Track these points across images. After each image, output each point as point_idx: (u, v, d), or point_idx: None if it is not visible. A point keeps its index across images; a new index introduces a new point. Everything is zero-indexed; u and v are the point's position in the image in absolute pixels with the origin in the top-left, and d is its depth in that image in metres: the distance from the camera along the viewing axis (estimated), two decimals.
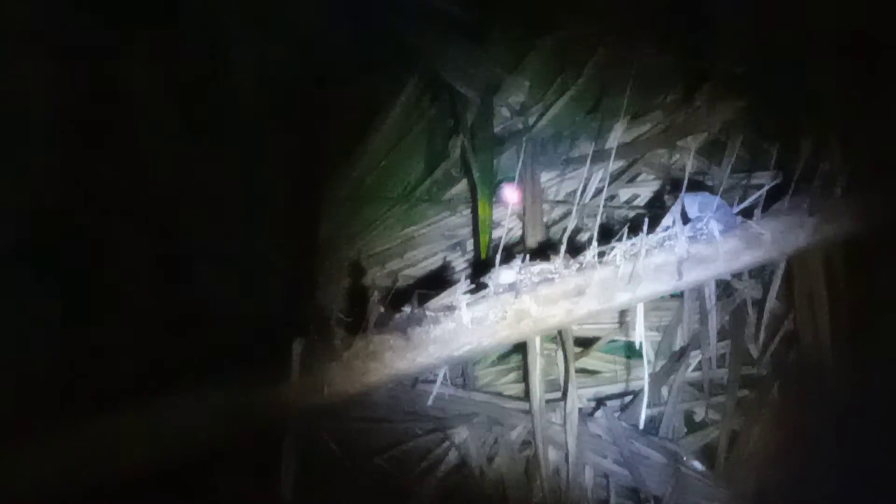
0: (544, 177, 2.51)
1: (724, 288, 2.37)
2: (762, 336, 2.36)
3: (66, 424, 1.75)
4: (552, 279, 1.86)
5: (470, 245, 2.51)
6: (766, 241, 2.01)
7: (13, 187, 2.05)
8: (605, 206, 2.31)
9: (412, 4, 2.39)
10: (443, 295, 1.86)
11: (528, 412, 2.18)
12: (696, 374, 2.37)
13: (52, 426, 1.75)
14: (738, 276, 2.26)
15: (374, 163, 2.55)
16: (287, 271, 2.29)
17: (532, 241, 2.35)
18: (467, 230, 2.52)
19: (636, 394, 2.35)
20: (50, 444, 1.73)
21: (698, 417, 2.38)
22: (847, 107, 2.29)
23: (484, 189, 2.39)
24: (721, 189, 2.07)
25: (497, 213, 2.43)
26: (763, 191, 2.06)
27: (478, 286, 1.86)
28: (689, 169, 2.09)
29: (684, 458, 2.24)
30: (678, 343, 2.40)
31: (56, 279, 2.07)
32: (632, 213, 2.48)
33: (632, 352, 2.40)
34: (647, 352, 2.28)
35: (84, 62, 2.14)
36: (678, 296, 2.31)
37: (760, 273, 2.37)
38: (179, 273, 2.23)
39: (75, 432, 1.74)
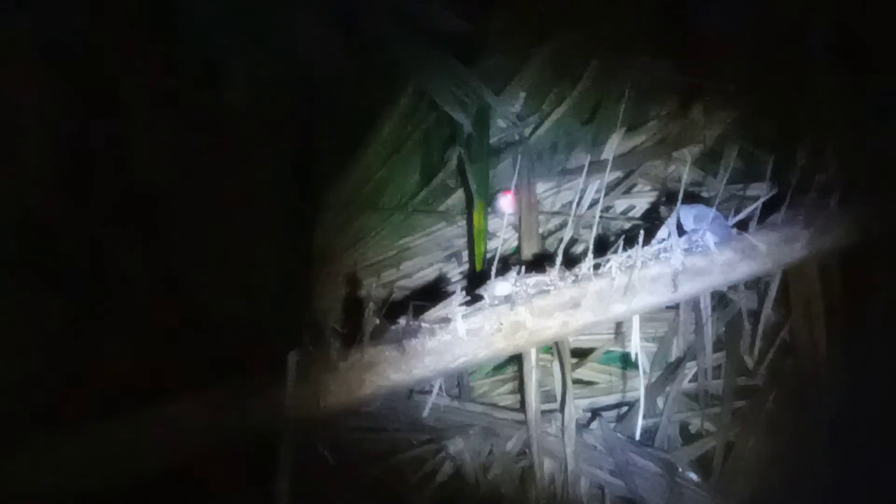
0: (540, 187, 2.51)
1: (720, 299, 2.37)
2: (758, 347, 2.36)
3: (64, 431, 1.76)
4: (548, 291, 1.86)
5: (466, 256, 2.51)
6: (762, 252, 2.01)
7: (10, 195, 2.05)
8: (600, 218, 2.31)
9: (407, 18, 2.39)
10: (438, 306, 1.86)
11: (524, 423, 2.18)
12: (692, 384, 2.37)
13: (49, 432, 1.75)
14: (733, 287, 2.26)
15: (370, 173, 2.54)
16: (283, 282, 2.29)
17: (528, 253, 2.35)
18: (463, 241, 2.52)
19: (632, 404, 2.35)
20: (48, 449, 1.73)
21: (694, 428, 2.38)
22: (842, 118, 2.30)
23: (480, 200, 2.39)
24: (717, 201, 2.07)
25: (493, 224, 2.43)
26: (759, 202, 2.06)
27: (473, 298, 1.86)
28: (684, 180, 2.09)
29: (680, 469, 2.24)
30: (674, 354, 2.40)
31: (55, 286, 2.07)
32: (628, 225, 2.49)
33: (627, 363, 2.40)
34: (643, 363, 2.28)
35: (80, 69, 2.14)
36: (674, 307, 2.31)
37: (756, 284, 2.37)
38: (176, 282, 2.23)
39: (73, 439, 1.75)
